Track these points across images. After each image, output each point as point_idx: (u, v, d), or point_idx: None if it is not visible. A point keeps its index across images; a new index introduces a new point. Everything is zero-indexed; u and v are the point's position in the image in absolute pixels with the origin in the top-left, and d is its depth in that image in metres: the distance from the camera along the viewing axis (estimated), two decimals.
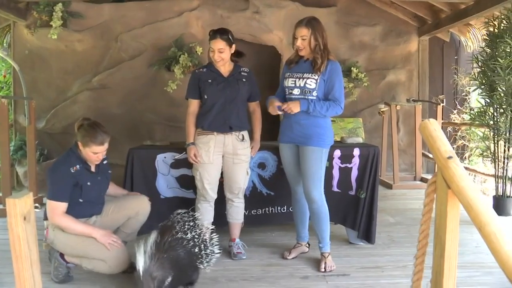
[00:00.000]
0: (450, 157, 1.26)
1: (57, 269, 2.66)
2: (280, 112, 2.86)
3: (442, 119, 5.97)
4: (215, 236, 2.61)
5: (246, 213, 3.35)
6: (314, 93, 2.81)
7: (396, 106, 5.73)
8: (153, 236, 2.30)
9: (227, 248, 3.19)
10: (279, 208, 3.47)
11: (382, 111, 6.01)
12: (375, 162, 3.33)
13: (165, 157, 3.32)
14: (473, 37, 6.10)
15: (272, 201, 3.45)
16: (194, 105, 3.10)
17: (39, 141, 5.19)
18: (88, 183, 2.62)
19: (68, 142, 5.02)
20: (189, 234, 2.35)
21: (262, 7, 5.94)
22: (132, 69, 5.86)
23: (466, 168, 5.59)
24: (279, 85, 3.07)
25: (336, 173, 3.38)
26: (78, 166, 2.58)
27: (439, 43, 6.79)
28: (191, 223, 2.42)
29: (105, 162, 2.79)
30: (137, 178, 3.28)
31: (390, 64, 6.49)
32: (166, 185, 3.35)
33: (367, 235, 3.35)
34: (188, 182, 3.29)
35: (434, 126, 1.35)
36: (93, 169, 2.68)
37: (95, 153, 2.58)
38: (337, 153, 3.32)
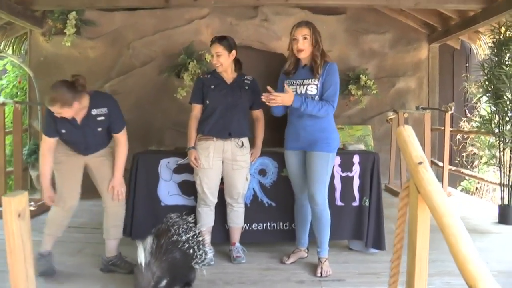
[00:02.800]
0: (420, 163, 1.30)
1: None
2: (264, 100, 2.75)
3: (451, 127, 5.92)
4: (207, 237, 2.67)
5: (247, 227, 3.35)
6: (317, 98, 2.85)
7: (403, 113, 5.71)
8: (150, 239, 2.38)
9: (227, 252, 3.24)
10: (281, 224, 3.40)
11: (390, 119, 6.01)
12: (376, 169, 3.32)
13: (168, 162, 3.38)
14: (483, 45, 6.07)
15: (273, 215, 3.40)
16: (197, 109, 3.17)
17: None
18: (63, 130, 2.77)
19: None
20: (183, 236, 2.42)
21: (270, 14, 6.01)
22: (143, 75, 5.99)
23: (473, 176, 5.56)
24: None
25: (338, 183, 3.36)
26: None
27: (449, 50, 6.78)
28: (185, 226, 2.48)
29: (99, 118, 2.83)
30: (139, 184, 3.33)
31: (400, 71, 6.49)
32: (167, 192, 3.38)
33: (378, 242, 3.30)
34: (190, 188, 3.33)
35: (408, 132, 1.40)
36: (78, 121, 2.77)
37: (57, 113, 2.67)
38: (337, 160, 3.32)
